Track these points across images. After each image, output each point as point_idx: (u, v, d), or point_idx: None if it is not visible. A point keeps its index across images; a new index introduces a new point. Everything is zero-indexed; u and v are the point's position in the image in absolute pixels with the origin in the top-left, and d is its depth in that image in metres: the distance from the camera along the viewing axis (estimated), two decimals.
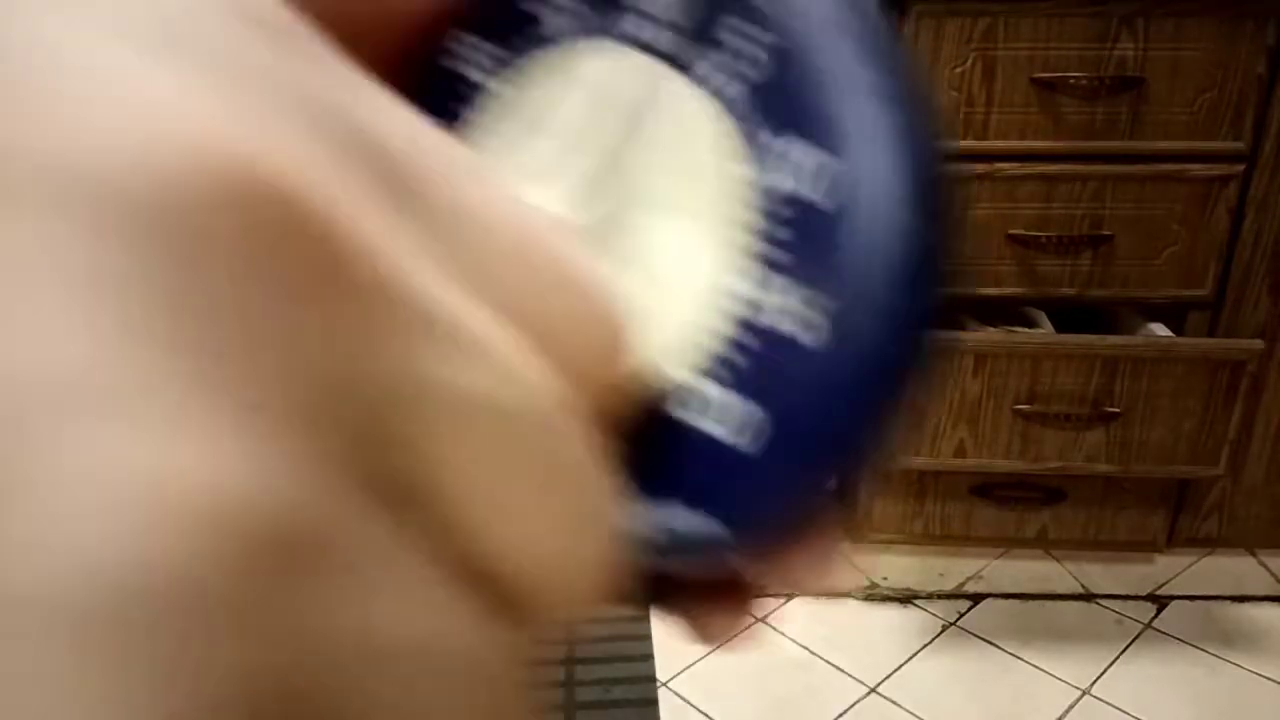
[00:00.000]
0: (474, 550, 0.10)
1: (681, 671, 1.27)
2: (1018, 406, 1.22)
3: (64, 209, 0.08)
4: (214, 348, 0.08)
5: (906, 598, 1.40)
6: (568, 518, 0.11)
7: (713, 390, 0.15)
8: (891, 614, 1.38)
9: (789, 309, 0.15)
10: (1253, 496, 1.34)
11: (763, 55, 0.15)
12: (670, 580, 0.16)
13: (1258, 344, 1.20)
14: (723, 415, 0.15)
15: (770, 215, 0.15)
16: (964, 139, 1.19)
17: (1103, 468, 1.25)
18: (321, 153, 0.09)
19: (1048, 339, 1.24)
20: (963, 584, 1.41)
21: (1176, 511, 1.36)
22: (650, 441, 0.16)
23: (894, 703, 1.25)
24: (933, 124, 0.15)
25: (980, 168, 1.21)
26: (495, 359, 0.10)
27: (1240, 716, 1.24)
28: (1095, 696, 1.25)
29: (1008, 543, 1.38)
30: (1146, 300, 1.26)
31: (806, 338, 0.15)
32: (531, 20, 0.17)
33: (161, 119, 0.08)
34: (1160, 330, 1.26)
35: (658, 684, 1.26)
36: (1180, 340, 1.24)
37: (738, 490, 0.15)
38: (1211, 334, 1.26)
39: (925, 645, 1.34)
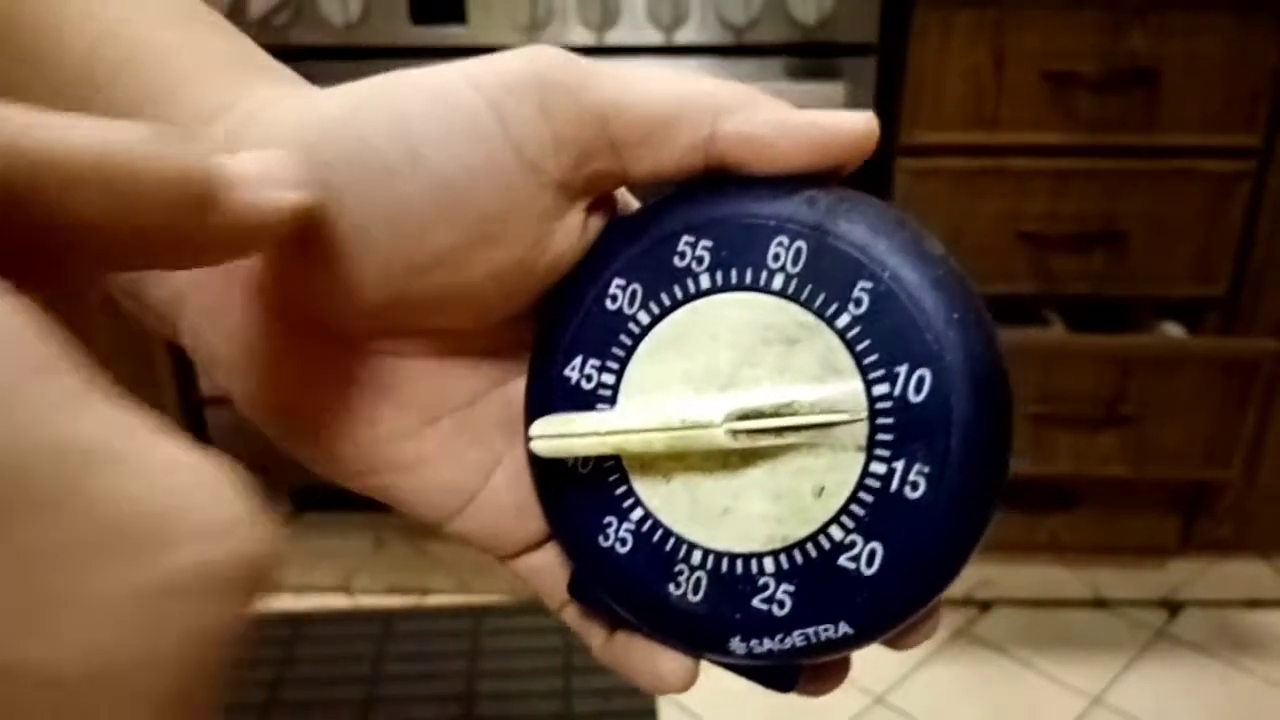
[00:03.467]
0: None
1: None
2: (1029, 408, 1.19)
3: None
4: None
5: None
6: None
7: (841, 534, 0.21)
8: None
9: (897, 474, 0.21)
10: (1268, 500, 1.32)
11: (864, 296, 0.21)
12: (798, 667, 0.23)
13: (1274, 343, 1.18)
14: (852, 552, 0.21)
15: (877, 411, 0.21)
16: (974, 133, 1.17)
17: (1116, 470, 1.22)
18: None
19: (1060, 338, 1.21)
20: (972, 590, 1.38)
21: (1191, 515, 1.34)
22: (798, 574, 0.22)
23: (901, 712, 1.22)
24: (993, 337, 0.21)
25: (990, 162, 1.18)
26: None
27: None
28: (1107, 704, 1.23)
29: (1018, 548, 1.36)
30: (1161, 298, 1.24)
31: (912, 495, 0.20)
32: (681, 272, 0.22)
33: None
34: (1174, 329, 1.24)
35: (657, 694, 1.23)
36: (1195, 340, 1.21)
37: (866, 605, 0.21)
38: (1227, 333, 1.23)
39: (933, 653, 1.31)
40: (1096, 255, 1.21)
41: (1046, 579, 1.39)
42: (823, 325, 0.21)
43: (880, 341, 0.21)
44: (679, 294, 0.22)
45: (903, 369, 0.20)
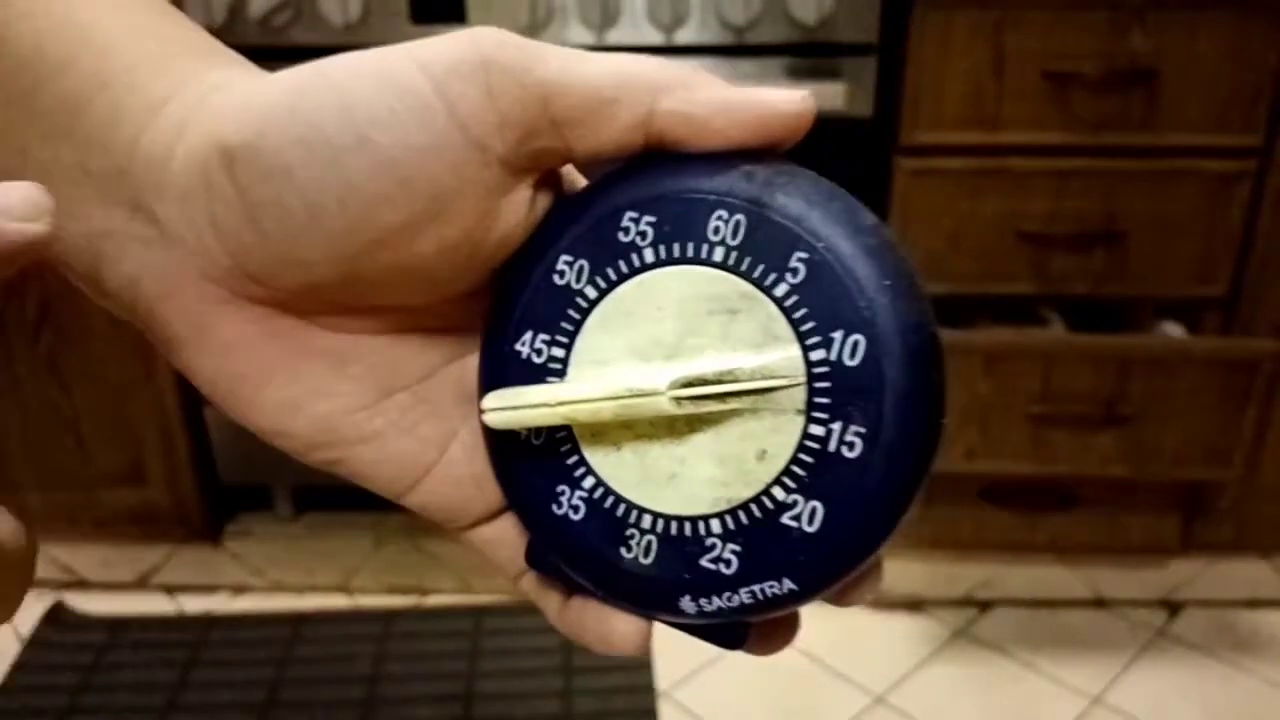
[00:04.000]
0: None
1: (682, 681, 1.25)
2: (1029, 408, 1.19)
3: None
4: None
5: (914, 604, 1.37)
6: None
7: (783, 494, 0.22)
8: (899, 621, 1.36)
9: (834, 435, 0.21)
10: (1268, 500, 1.31)
11: (800, 266, 0.22)
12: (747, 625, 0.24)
13: (1274, 343, 1.18)
14: (794, 511, 0.22)
15: (815, 375, 0.22)
16: (974, 133, 1.17)
17: (1116, 470, 1.22)
18: None
19: (1060, 338, 1.21)
20: (972, 590, 1.39)
21: (1190, 515, 1.34)
22: (744, 534, 0.22)
23: (901, 712, 1.23)
24: (924, 302, 0.22)
25: (991, 162, 1.18)
26: None
27: None
28: (1107, 704, 1.23)
29: (1018, 548, 1.36)
30: (1161, 298, 1.24)
31: (850, 455, 0.21)
32: (626, 247, 0.23)
33: None
34: (1174, 329, 1.24)
35: (657, 694, 1.23)
36: (1194, 339, 1.21)
37: (809, 562, 0.22)
38: (1227, 333, 1.23)
39: (933, 653, 1.31)
40: (1096, 255, 1.21)
41: (1046, 579, 1.39)
42: (762, 295, 0.22)
43: (816, 309, 0.21)
44: (624, 269, 0.23)
45: (838, 335, 0.21)
